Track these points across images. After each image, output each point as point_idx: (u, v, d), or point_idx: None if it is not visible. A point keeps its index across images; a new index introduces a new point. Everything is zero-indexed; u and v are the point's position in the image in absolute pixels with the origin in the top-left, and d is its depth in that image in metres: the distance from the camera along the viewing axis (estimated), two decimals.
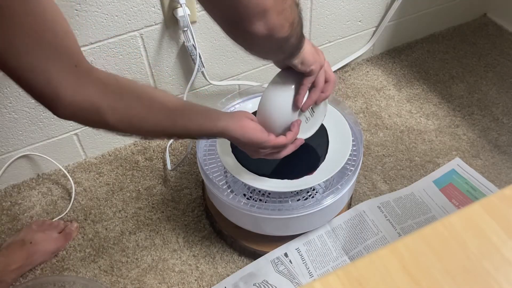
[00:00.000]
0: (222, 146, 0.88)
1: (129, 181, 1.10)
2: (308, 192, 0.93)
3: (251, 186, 0.87)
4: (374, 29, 1.31)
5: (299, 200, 0.90)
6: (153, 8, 0.95)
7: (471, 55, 1.38)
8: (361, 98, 1.27)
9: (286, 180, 0.84)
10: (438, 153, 1.13)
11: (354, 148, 0.92)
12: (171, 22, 0.98)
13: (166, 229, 1.01)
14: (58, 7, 0.51)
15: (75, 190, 1.08)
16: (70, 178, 1.09)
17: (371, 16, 1.27)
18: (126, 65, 1.01)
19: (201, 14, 1.00)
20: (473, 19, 1.49)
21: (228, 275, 0.94)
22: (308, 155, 0.87)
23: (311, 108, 0.79)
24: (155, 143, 1.18)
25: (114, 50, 0.97)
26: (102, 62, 0.98)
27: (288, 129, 0.75)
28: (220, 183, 0.89)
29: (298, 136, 0.77)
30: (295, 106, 0.73)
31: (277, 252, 0.95)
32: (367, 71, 1.35)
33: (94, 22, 0.91)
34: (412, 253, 0.37)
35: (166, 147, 1.15)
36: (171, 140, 1.17)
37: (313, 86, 0.74)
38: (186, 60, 1.07)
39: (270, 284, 0.92)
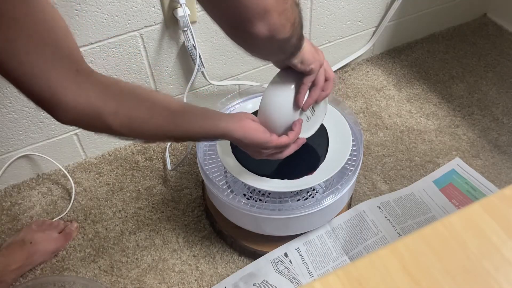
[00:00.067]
0: (222, 146, 0.88)
1: (129, 181, 1.10)
2: (308, 192, 0.93)
3: (251, 186, 0.87)
4: (374, 29, 1.31)
5: (299, 200, 0.90)
6: (153, 8, 0.95)
7: (471, 55, 1.38)
8: (361, 98, 1.27)
9: (286, 180, 0.84)
10: (438, 153, 1.13)
11: (354, 148, 0.92)
12: (171, 22, 0.98)
13: (166, 229, 1.01)
14: (57, 10, 0.50)
15: (75, 190, 1.08)
16: (70, 178, 1.09)
17: (371, 16, 1.27)
18: (126, 65, 1.01)
19: (201, 14, 1.00)
20: (473, 19, 1.49)
21: (228, 275, 0.94)
22: (308, 155, 0.87)
23: (312, 107, 0.79)
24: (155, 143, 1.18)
25: (114, 50, 0.97)
26: (102, 62, 0.98)
27: (289, 128, 0.75)
28: (220, 183, 0.89)
29: (300, 136, 0.77)
30: (296, 105, 0.73)
31: (277, 252, 0.95)
32: (367, 71, 1.35)
33: (94, 22, 0.91)
34: (412, 253, 0.37)
35: (166, 147, 1.15)
36: None
37: (313, 85, 0.74)
38: (186, 60, 1.07)
39: (270, 284, 0.92)
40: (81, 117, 0.54)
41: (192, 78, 1.07)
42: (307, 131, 0.81)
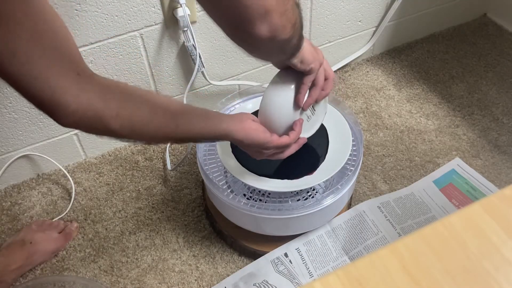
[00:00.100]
0: (222, 146, 0.88)
1: (129, 181, 1.10)
2: (308, 192, 0.93)
3: (251, 186, 0.87)
4: (374, 29, 1.31)
5: (299, 200, 0.90)
6: (153, 8, 0.95)
7: (471, 55, 1.38)
8: (361, 98, 1.27)
9: (286, 180, 0.84)
10: (438, 153, 1.13)
11: (354, 148, 0.92)
12: (171, 22, 0.98)
13: (166, 229, 1.01)
14: (57, 12, 0.50)
15: (75, 190, 1.08)
16: (70, 178, 1.09)
17: (371, 16, 1.27)
18: (126, 65, 1.01)
19: (201, 14, 1.00)
20: (473, 19, 1.49)
21: (228, 275, 0.94)
22: (308, 155, 0.87)
23: (312, 106, 0.79)
24: None
25: (114, 50, 0.97)
26: (102, 62, 0.98)
27: (290, 128, 0.75)
28: (220, 183, 0.89)
29: (301, 135, 0.77)
30: (297, 105, 0.73)
31: (277, 252, 0.95)
32: (367, 71, 1.35)
33: (94, 22, 0.91)
34: (412, 253, 0.37)
35: (166, 147, 1.15)
36: None
37: (313, 84, 0.74)
38: (186, 60, 1.07)
39: (270, 284, 0.92)
40: (82, 120, 0.54)
41: (192, 78, 1.07)
42: (307, 131, 0.81)
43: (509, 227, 0.38)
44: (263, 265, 0.94)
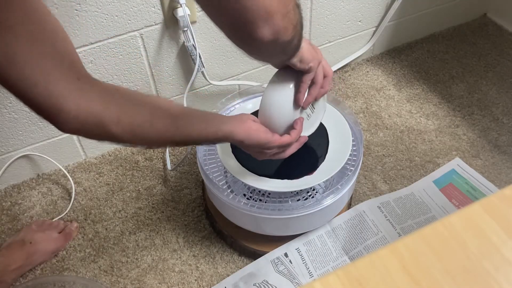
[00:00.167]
0: (222, 147, 0.88)
1: (129, 181, 1.10)
2: (308, 192, 0.93)
3: (251, 186, 0.87)
4: (374, 29, 1.31)
5: (299, 200, 0.90)
6: (153, 8, 0.95)
7: (471, 55, 1.38)
8: (361, 98, 1.27)
9: (286, 180, 0.84)
10: (438, 153, 1.13)
11: (354, 148, 0.92)
12: (171, 22, 0.98)
13: (166, 229, 1.01)
14: (55, 17, 0.49)
15: (75, 190, 1.08)
16: (70, 178, 1.09)
17: (371, 16, 1.27)
18: (126, 65, 1.01)
19: (201, 14, 1.00)
20: (473, 19, 1.49)
21: (228, 275, 0.94)
22: (308, 155, 0.87)
23: (311, 104, 0.79)
24: None
25: (114, 50, 0.97)
26: (102, 62, 0.98)
27: (290, 127, 0.75)
28: (220, 183, 0.89)
29: (301, 134, 0.77)
30: (297, 104, 0.73)
31: (277, 252, 0.95)
32: (367, 71, 1.35)
33: (94, 22, 0.91)
34: (412, 253, 0.37)
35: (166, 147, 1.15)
36: None
37: (312, 83, 0.74)
38: (186, 60, 1.07)
39: (270, 284, 0.92)
40: (84, 125, 0.53)
41: (192, 78, 1.07)
42: (308, 129, 0.81)
43: (509, 227, 0.38)
44: (263, 265, 0.94)
